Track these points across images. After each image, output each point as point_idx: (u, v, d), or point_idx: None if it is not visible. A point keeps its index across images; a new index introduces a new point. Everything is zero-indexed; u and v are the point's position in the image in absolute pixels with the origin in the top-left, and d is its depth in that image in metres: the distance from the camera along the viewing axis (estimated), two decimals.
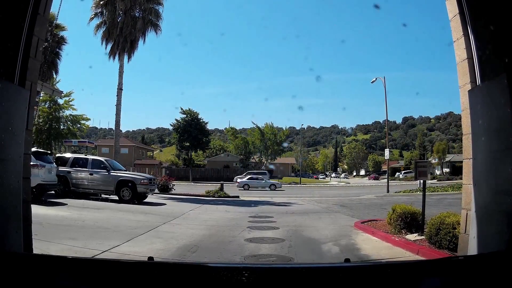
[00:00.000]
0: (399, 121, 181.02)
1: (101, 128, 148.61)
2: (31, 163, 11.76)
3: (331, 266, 2.05)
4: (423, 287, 1.46)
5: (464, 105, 3.76)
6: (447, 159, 67.68)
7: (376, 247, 6.86)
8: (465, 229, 3.61)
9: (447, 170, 64.96)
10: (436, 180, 44.59)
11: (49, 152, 17.91)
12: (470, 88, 3.61)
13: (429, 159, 62.56)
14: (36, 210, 10.03)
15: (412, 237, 7.11)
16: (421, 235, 7.00)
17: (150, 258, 1.78)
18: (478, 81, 3.63)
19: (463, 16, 4.04)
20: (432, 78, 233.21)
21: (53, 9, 27.04)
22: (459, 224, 5.72)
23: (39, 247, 4.91)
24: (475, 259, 1.98)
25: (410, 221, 7.53)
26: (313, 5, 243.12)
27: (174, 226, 8.99)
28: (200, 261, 5.79)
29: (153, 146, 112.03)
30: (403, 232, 7.51)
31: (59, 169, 14.22)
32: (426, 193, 8.30)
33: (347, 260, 1.93)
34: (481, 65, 3.65)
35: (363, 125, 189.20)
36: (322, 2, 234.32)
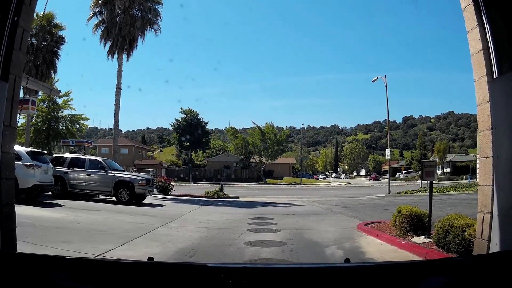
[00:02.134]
0: (399, 121, 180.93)
1: (101, 128, 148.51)
2: (27, 163, 11.76)
3: (332, 266, 2.03)
4: (423, 287, 1.44)
5: (480, 99, 3.49)
6: (447, 159, 67.49)
7: (381, 251, 6.60)
8: (481, 234, 3.34)
9: (448, 170, 64.78)
10: (437, 180, 44.34)
11: (45, 152, 17.66)
12: (487, 81, 3.34)
13: (430, 159, 62.27)
14: (31, 211, 9.85)
15: (419, 239, 6.85)
16: (428, 238, 6.74)
17: (150, 258, 1.70)
18: (495, 73, 3.36)
19: (477, 4, 3.78)
20: (432, 78, 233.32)
21: (50, 8, 26.75)
22: (469, 226, 5.47)
23: (29, 251, 4.65)
24: (475, 259, 1.93)
25: (416, 223, 7.27)
26: (313, 5, 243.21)
27: (171, 228, 8.73)
28: (200, 261, 5.57)
29: (153, 146, 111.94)
30: (408, 234, 7.25)
31: (56, 169, 13.97)
32: (427, 194, 8.03)
33: (347, 260, 1.88)
34: (498, 55, 3.39)
35: (363, 125, 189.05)
36: (323, 2, 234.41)
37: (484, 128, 3.32)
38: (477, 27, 3.70)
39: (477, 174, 35.45)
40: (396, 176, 66.42)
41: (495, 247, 2.83)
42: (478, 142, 3.73)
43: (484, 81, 3.45)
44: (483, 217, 3.29)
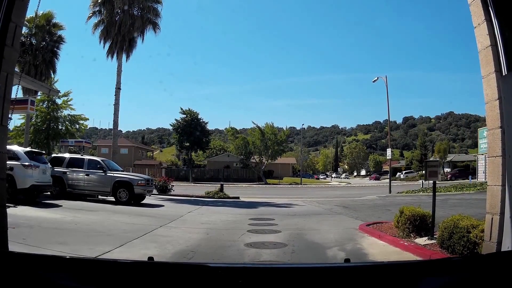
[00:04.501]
0: (399, 121, 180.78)
1: (101, 128, 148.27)
2: (25, 163, 11.64)
3: (331, 266, 2.03)
4: (423, 287, 1.43)
5: (489, 96, 3.37)
6: (448, 159, 67.33)
7: (384, 252, 6.47)
8: (490, 236, 3.22)
9: (448, 170, 64.62)
10: (440, 180, 44.14)
11: (44, 152, 17.54)
12: (496, 77, 3.22)
13: (431, 159, 62.15)
14: (29, 212, 9.74)
15: (422, 241, 6.73)
16: (432, 239, 6.62)
17: (150, 258, 1.68)
18: (504, 69, 3.24)
19: None
20: (432, 78, 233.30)
21: (48, 7, 26.60)
22: (474, 228, 5.34)
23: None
24: (475, 259, 1.92)
25: (419, 224, 7.14)
26: (314, 5, 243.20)
27: (170, 229, 8.60)
28: (200, 261, 5.46)
29: (153, 147, 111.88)
30: (411, 235, 7.12)
31: (55, 169, 13.85)
32: (429, 194, 7.93)
33: (347, 260, 1.86)
34: (507, 51, 3.27)
35: (363, 125, 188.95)
36: (323, 1, 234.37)
37: (493, 127, 3.20)
38: (485, 22, 3.58)
39: (478, 174, 35.35)
40: (397, 176, 66.28)
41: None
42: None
43: (493, 78, 3.33)
44: (492, 218, 3.17)
